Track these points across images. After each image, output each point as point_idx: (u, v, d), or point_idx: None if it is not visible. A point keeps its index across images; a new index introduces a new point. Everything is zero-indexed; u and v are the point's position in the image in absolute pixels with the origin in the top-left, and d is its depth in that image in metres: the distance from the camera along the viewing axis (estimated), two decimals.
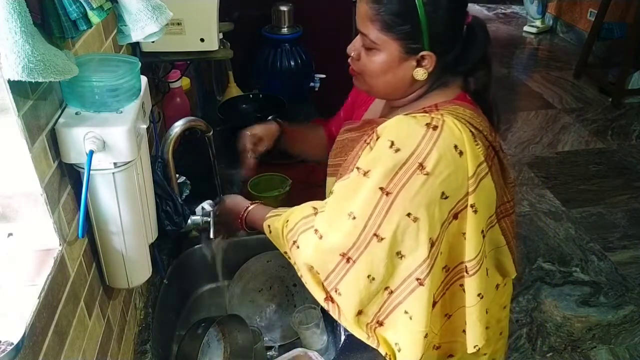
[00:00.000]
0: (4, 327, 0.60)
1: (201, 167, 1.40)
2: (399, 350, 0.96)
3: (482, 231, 0.93)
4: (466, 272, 0.94)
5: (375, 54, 0.94)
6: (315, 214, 0.98)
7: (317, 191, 1.55)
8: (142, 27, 0.76)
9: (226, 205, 1.22)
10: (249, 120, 1.94)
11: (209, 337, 1.21)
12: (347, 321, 0.96)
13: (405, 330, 0.95)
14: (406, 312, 0.93)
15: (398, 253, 0.89)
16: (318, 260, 0.94)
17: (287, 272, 1.39)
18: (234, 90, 2.04)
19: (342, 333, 1.14)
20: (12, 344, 0.58)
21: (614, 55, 4.40)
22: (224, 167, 1.58)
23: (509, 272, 1.07)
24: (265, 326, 1.36)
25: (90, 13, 0.68)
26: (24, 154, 0.66)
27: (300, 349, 1.18)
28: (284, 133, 1.33)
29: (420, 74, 0.93)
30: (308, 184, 1.60)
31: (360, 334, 0.97)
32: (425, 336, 0.94)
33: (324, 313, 1.25)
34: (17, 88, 0.63)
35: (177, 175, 1.28)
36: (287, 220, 1.02)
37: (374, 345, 0.97)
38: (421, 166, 0.85)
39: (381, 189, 0.86)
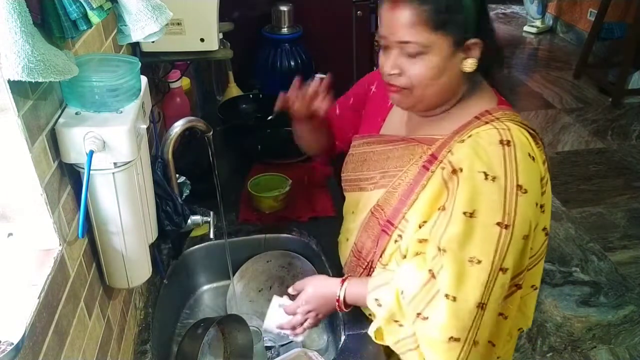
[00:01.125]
0: (4, 327, 0.60)
1: (201, 167, 1.40)
2: (493, 345, 0.94)
3: (545, 228, 0.93)
4: (527, 268, 0.94)
5: (424, 59, 0.88)
6: (434, 276, 0.89)
7: (317, 191, 1.56)
8: (142, 27, 0.76)
9: (315, 291, 1.09)
10: (249, 120, 1.94)
11: (209, 337, 1.21)
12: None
13: (500, 330, 0.94)
14: (500, 314, 0.92)
15: (515, 284, 0.91)
16: (457, 325, 0.87)
17: (287, 272, 1.38)
18: (234, 90, 2.04)
19: (342, 333, 1.14)
20: (12, 344, 0.58)
21: (614, 55, 4.41)
22: (224, 167, 1.58)
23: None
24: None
25: (90, 13, 0.68)
26: (24, 154, 0.66)
27: (300, 349, 1.18)
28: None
29: (470, 64, 0.89)
30: (308, 184, 1.60)
31: None
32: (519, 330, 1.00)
33: None
34: (17, 88, 0.63)
35: (177, 175, 1.28)
36: (402, 292, 0.93)
37: None
38: (519, 187, 0.84)
39: (498, 224, 0.84)
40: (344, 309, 1.06)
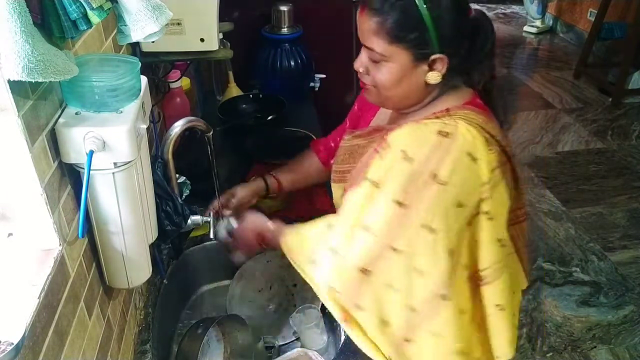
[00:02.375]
0: (4, 327, 0.60)
1: (201, 167, 1.40)
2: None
3: (500, 239, 0.90)
4: (480, 280, 0.92)
5: (385, 65, 0.92)
6: (330, 229, 0.95)
7: (317, 191, 1.56)
8: (142, 27, 0.76)
9: (247, 223, 1.20)
10: (249, 120, 1.95)
11: (209, 337, 1.21)
12: (370, 333, 0.92)
13: (435, 351, 0.92)
14: (434, 334, 0.90)
15: (416, 269, 0.87)
16: (338, 279, 0.91)
17: (287, 272, 1.38)
18: (234, 90, 2.04)
19: (342, 333, 1.14)
20: (12, 344, 0.58)
21: (614, 55, 4.41)
22: (224, 167, 1.58)
23: (520, 283, 1.05)
24: (265, 326, 1.36)
25: (90, 13, 0.68)
26: (24, 154, 0.66)
27: (300, 349, 1.18)
28: (271, 191, 1.35)
29: (434, 77, 0.91)
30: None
31: (385, 345, 0.93)
32: (460, 352, 0.91)
33: (324, 313, 1.25)
34: (17, 88, 0.63)
35: (177, 175, 1.28)
36: (305, 239, 1.00)
37: None
38: (435, 176, 0.83)
39: (396, 202, 0.85)
40: (263, 246, 1.17)
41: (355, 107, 1.25)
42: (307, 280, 1.01)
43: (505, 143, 0.92)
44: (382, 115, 1.12)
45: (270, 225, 1.14)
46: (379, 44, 0.90)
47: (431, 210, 0.84)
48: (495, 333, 0.96)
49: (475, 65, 0.95)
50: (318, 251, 0.96)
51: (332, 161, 1.19)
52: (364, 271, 0.88)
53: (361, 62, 0.96)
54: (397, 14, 0.87)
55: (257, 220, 1.18)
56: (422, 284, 0.88)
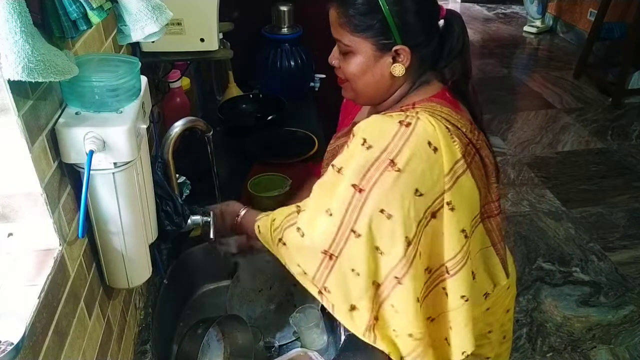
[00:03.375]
0: (4, 327, 0.59)
1: (201, 167, 1.40)
2: (396, 336, 0.96)
3: (464, 230, 0.91)
4: (447, 272, 0.93)
5: (351, 57, 0.95)
6: (298, 211, 0.99)
7: None
8: (142, 27, 0.76)
9: (221, 209, 1.22)
10: (249, 120, 1.95)
11: (209, 337, 1.21)
12: (342, 314, 0.96)
13: (395, 323, 0.95)
14: (392, 306, 0.93)
15: (377, 248, 0.90)
16: (302, 258, 0.96)
17: (287, 272, 1.38)
18: (234, 90, 2.04)
19: (342, 333, 1.14)
20: (12, 344, 0.58)
21: (614, 55, 4.41)
22: (224, 167, 1.58)
23: (499, 278, 1.05)
24: (265, 326, 1.36)
25: (90, 13, 0.68)
26: (24, 154, 0.66)
27: (300, 349, 1.18)
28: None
29: (398, 69, 0.94)
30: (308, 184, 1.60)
31: (356, 329, 0.96)
32: (410, 335, 0.94)
33: (324, 313, 1.25)
34: (17, 88, 0.63)
35: (177, 175, 1.28)
36: (274, 219, 1.04)
37: (370, 341, 0.96)
38: (392, 163, 0.85)
39: (354, 186, 0.87)
40: (238, 228, 1.18)
41: (340, 117, 1.27)
42: (280, 259, 1.04)
43: (473, 135, 0.93)
44: (361, 116, 1.13)
45: (242, 210, 1.17)
46: (344, 35, 0.94)
47: (387, 196, 0.86)
48: (460, 327, 0.97)
49: (447, 63, 0.98)
50: (285, 231, 0.99)
51: None
52: (328, 255, 0.91)
53: (334, 56, 1.00)
54: (358, 4, 0.91)
55: (230, 207, 1.21)
56: (383, 262, 0.91)
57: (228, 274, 1.43)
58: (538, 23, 5.45)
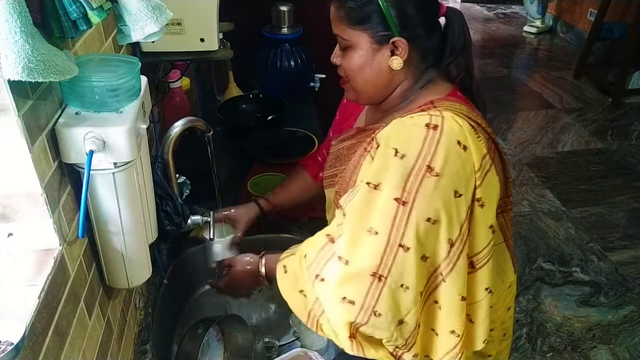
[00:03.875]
0: (4, 327, 0.60)
1: (201, 167, 1.40)
2: (436, 335, 0.95)
3: (492, 226, 0.91)
4: (472, 266, 0.93)
5: (350, 52, 0.96)
6: (332, 240, 0.92)
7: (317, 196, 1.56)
8: (142, 27, 0.76)
9: (237, 268, 1.15)
10: (249, 120, 1.95)
11: (209, 337, 1.21)
12: (389, 332, 0.90)
13: (438, 318, 0.94)
14: (436, 302, 0.92)
15: (423, 256, 0.87)
16: (349, 287, 0.88)
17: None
18: (234, 90, 2.05)
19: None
20: (12, 344, 0.58)
21: (614, 55, 4.41)
22: (224, 167, 1.58)
23: (508, 275, 1.06)
24: (265, 326, 1.36)
25: (90, 13, 0.68)
26: (24, 154, 0.66)
27: (300, 349, 1.18)
28: (266, 212, 1.35)
29: (396, 62, 0.94)
30: None
31: (402, 339, 0.92)
32: (452, 332, 0.93)
33: None
34: (17, 88, 0.63)
35: (177, 175, 1.28)
36: (305, 255, 0.96)
37: (407, 349, 0.93)
38: (430, 168, 0.84)
39: (396, 199, 0.85)
40: (267, 284, 1.11)
41: (337, 116, 1.26)
42: (296, 309, 0.97)
43: (491, 131, 0.94)
44: (365, 117, 1.13)
45: (262, 265, 1.10)
46: (343, 29, 0.94)
47: (431, 203, 0.84)
48: (482, 318, 0.97)
49: (450, 61, 0.98)
50: (324, 264, 0.91)
51: (321, 173, 1.19)
52: (376, 276, 0.86)
53: (335, 54, 1.00)
54: None
55: (248, 262, 1.14)
56: (429, 265, 0.88)
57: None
58: (538, 23, 5.45)
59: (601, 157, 3.39)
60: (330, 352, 1.26)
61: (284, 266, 1.00)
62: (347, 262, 0.88)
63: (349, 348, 0.92)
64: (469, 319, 0.97)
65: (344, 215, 0.91)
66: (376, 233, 0.86)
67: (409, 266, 0.86)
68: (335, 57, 1.00)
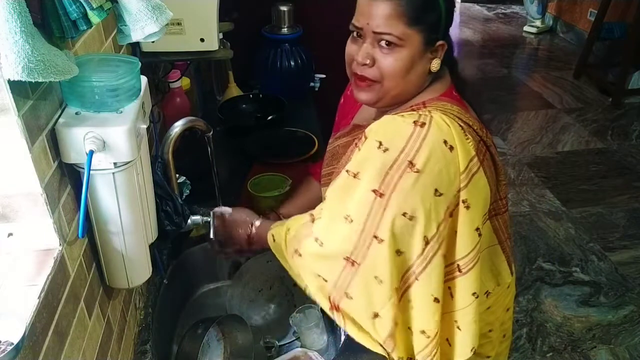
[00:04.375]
0: (4, 327, 0.60)
1: (201, 167, 1.40)
2: (411, 333, 0.95)
3: (478, 228, 0.91)
4: (459, 270, 0.92)
5: (397, 51, 0.91)
6: (312, 220, 0.96)
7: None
8: (142, 27, 0.76)
9: (233, 218, 1.17)
10: (249, 120, 1.95)
11: (209, 337, 1.21)
12: (363, 321, 0.93)
13: (410, 319, 0.94)
14: (409, 301, 0.93)
15: (398, 251, 0.88)
16: (323, 267, 0.92)
17: (287, 272, 1.38)
18: (234, 90, 2.04)
19: (342, 333, 1.14)
20: (12, 344, 0.58)
21: (614, 55, 4.41)
22: (224, 167, 1.58)
23: (504, 277, 1.05)
24: (265, 326, 1.36)
25: (90, 13, 0.68)
26: (24, 154, 0.66)
27: (300, 349, 1.18)
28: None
29: (436, 65, 0.94)
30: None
31: (378, 337, 0.93)
32: (423, 332, 0.93)
33: (324, 313, 1.25)
34: (17, 88, 0.63)
35: (177, 175, 1.28)
36: (289, 228, 1.01)
37: (389, 349, 0.94)
38: (411, 164, 0.84)
39: (374, 190, 0.85)
40: (252, 242, 1.13)
41: (337, 118, 1.26)
42: (292, 273, 1.01)
43: (483, 133, 0.93)
44: (363, 115, 1.12)
45: (256, 221, 1.13)
46: (397, 27, 0.89)
47: (408, 198, 0.85)
48: (469, 324, 0.96)
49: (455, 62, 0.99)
50: (301, 241, 0.96)
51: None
52: (351, 262, 0.89)
53: (366, 54, 0.93)
54: None
55: (243, 216, 1.16)
56: (403, 261, 0.89)
57: (228, 274, 1.43)
58: (538, 23, 5.45)
59: (601, 157, 3.39)
60: (330, 352, 1.26)
61: (272, 235, 1.05)
62: (321, 244, 0.92)
63: (335, 318, 0.95)
64: (457, 326, 0.97)
65: (326, 199, 0.94)
66: (351, 221, 0.88)
67: (382, 258, 0.87)
68: (368, 58, 0.93)
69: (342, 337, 1.15)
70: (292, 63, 2.07)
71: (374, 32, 0.91)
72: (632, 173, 3.22)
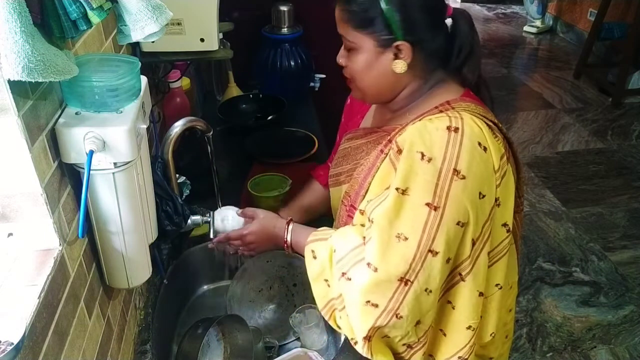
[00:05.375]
0: (4, 327, 0.60)
1: (201, 167, 1.40)
2: (444, 335, 0.96)
3: (506, 224, 0.92)
4: (487, 262, 0.93)
5: (355, 54, 0.96)
6: (364, 243, 0.93)
7: None
8: (142, 27, 0.76)
9: (264, 227, 1.17)
10: (249, 120, 1.95)
11: (209, 337, 1.21)
12: (410, 332, 0.92)
13: (449, 319, 0.95)
14: (449, 302, 0.93)
15: (448, 259, 0.88)
16: (376, 293, 0.88)
17: (287, 272, 1.38)
18: (234, 90, 2.04)
19: (342, 333, 1.14)
20: (12, 344, 0.58)
21: (614, 55, 4.41)
22: (224, 167, 1.58)
23: (512, 275, 1.06)
24: (265, 326, 1.36)
25: (90, 13, 0.68)
26: (24, 154, 0.66)
27: (300, 349, 1.18)
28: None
29: (399, 66, 0.94)
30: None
31: (416, 337, 0.93)
32: (469, 327, 0.94)
33: None
34: (17, 88, 0.63)
35: (177, 175, 1.28)
36: (335, 250, 0.97)
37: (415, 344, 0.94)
38: (456, 171, 0.84)
39: (427, 204, 0.85)
40: (290, 251, 1.14)
41: (343, 119, 1.26)
42: (320, 297, 0.99)
43: (505, 131, 0.95)
44: (373, 116, 1.13)
45: (287, 233, 1.12)
46: (347, 31, 0.95)
47: (460, 207, 0.85)
48: (492, 312, 0.98)
49: (461, 63, 0.97)
50: (353, 265, 0.92)
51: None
52: (403, 280, 0.87)
53: (341, 55, 1.00)
54: (360, 0, 0.92)
55: (274, 224, 1.15)
56: (450, 266, 0.89)
57: (228, 274, 1.43)
58: (538, 23, 5.45)
59: (601, 157, 3.39)
60: (330, 352, 1.26)
61: (312, 251, 1.01)
62: (375, 270, 0.87)
63: (360, 348, 0.92)
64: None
65: (370, 221, 0.90)
66: (406, 239, 0.86)
67: (435, 270, 0.87)
68: (341, 58, 1.00)
69: (342, 337, 1.15)
70: (292, 63, 2.07)
71: (340, 35, 0.97)
72: (632, 173, 3.23)
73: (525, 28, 5.51)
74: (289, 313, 1.31)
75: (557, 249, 2.64)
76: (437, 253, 0.85)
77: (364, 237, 0.93)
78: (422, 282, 0.86)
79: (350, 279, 0.91)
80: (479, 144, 0.86)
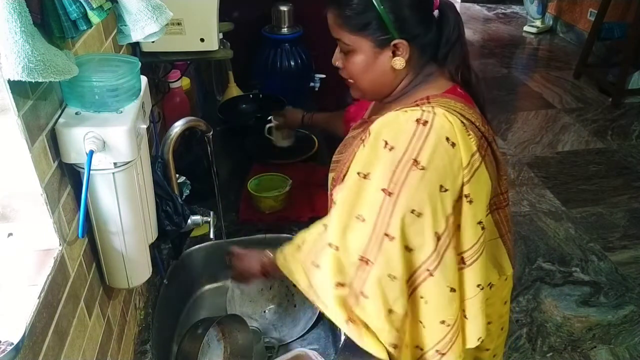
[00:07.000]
0: (4, 327, 0.60)
1: (201, 167, 1.40)
2: (424, 327, 0.97)
3: (480, 222, 0.93)
4: (463, 262, 0.94)
5: (352, 56, 0.97)
6: (326, 229, 0.97)
7: (317, 191, 1.56)
8: (142, 27, 0.76)
9: (245, 252, 1.21)
10: (249, 120, 1.95)
11: (209, 337, 1.21)
12: (381, 320, 0.94)
13: (424, 313, 0.96)
14: (422, 297, 0.94)
15: (407, 247, 0.90)
16: (342, 272, 0.93)
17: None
18: (234, 90, 2.04)
19: (342, 333, 1.14)
20: (12, 344, 0.58)
21: (614, 55, 4.41)
22: (224, 167, 1.58)
23: (505, 269, 1.07)
24: (265, 326, 1.36)
25: (90, 13, 0.68)
26: (24, 154, 0.66)
27: (300, 349, 1.18)
28: (305, 124, 1.61)
29: (398, 63, 0.95)
30: (308, 184, 1.60)
31: (389, 336, 0.94)
32: (443, 322, 0.95)
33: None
34: (17, 88, 0.63)
35: (177, 175, 1.28)
36: (304, 241, 1.02)
37: (395, 345, 0.95)
38: (416, 162, 0.86)
39: (383, 190, 0.88)
40: (266, 269, 1.14)
41: (352, 114, 1.29)
42: (306, 290, 1.00)
43: (485, 129, 0.95)
44: (374, 108, 1.14)
45: (269, 253, 1.14)
46: (343, 35, 0.96)
47: (416, 195, 0.87)
48: (476, 315, 0.99)
49: (446, 51, 0.98)
50: (318, 252, 0.96)
51: (352, 123, 1.21)
52: (365, 261, 0.90)
53: (336, 57, 1.01)
54: (354, 4, 0.93)
55: (255, 251, 1.19)
56: (412, 259, 0.91)
57: (229, 274, 1.43)
58: (538, 23, 5.45)
59: (601, 157, 3.39)
60: (330, 352, 1.26)
61: (284, 255, 1.06)
62: (337, 248, 0.92)
63: (349, 332, 0.95)
64: (463, 315, 0.99)
65: (334, 203, 0.95)
66: (363, 220, 0.90)
67: (394, 256, 0.89)
68: (337, 60, 1.01)
69: (342, 337, 1.15)
70: (292, 63, 2.07)
71: (335, 39, 0.98)
72: (632, 173, 3.22)
73: (525, 28, 5.51)
74: (289, 313, 1.31)
75: (557, 249, 2.64)
76: (393, 238, 0.88)
77: (325, 224, 0.97)
78: (383, 265, 0.89)
79: (318, 266, 0.96)
80: (447, 139, 0.87)
